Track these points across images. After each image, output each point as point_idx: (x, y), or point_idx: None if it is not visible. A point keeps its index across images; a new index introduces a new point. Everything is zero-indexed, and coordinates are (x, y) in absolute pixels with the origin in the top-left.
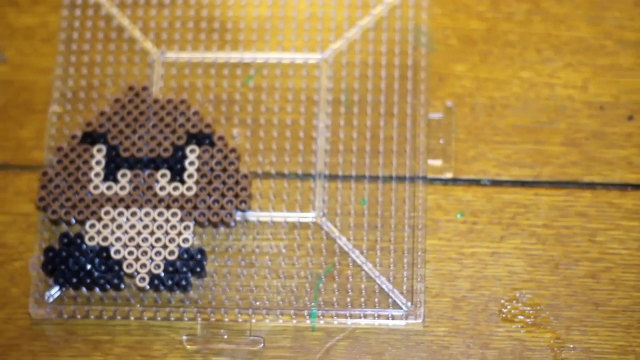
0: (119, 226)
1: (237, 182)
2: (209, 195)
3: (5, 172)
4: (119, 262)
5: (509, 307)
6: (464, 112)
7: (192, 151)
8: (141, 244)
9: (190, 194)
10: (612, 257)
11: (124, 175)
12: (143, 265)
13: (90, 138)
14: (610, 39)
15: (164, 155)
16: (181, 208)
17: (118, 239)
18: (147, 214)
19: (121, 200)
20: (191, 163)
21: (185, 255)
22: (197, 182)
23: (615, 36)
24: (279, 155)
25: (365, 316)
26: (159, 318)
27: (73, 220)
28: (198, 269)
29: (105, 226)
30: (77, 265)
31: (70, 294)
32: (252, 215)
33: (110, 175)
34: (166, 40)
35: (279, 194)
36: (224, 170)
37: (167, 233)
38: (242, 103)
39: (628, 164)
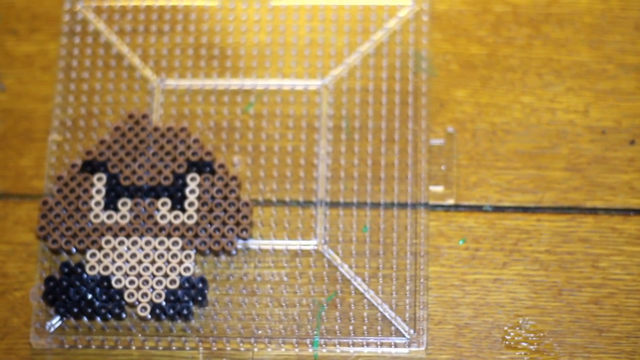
0: (120, 255)
1: (238, 210)
2: (210, 223)
3: (5, 201)
4: (120, 292)
5: (512, 334)
6: (465, 138)
7: (192, 179)
8: (142, 273)
9: (191, 222)
10: (615, 283)
11: (124, 203)
12: (144, 295)
13: (91, 166)
14: (612, 63)
15: (164, 184)
16: (182, 236)
17: (119, 268)
18: (148, 243)
19: (122, 229)
20: (192, 191)
21: (187, 284)
22: (198, 211)
23: (616, 60)
24: (280, 183)
25: (368, 344)
26: (160, 347)
27: (74, 250)
28: (200, 298)
29: (106, 255)
30: (78, 295)
31: (71, 324)
32: (254, 243)
33: (110, 204)
34: (166, 67)
35: (280, 222)
36: (225, 198)
37: (168, 262)
38: (242, 130)
39: (630, 188)
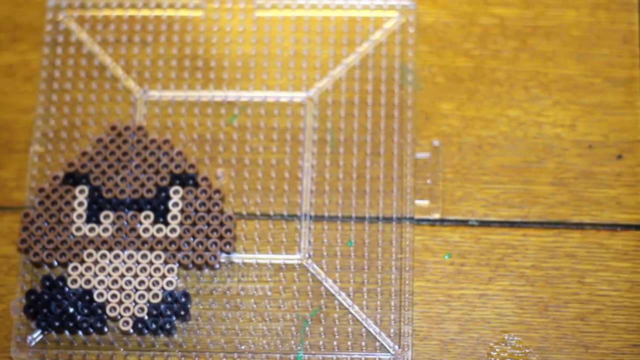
0: (102, 269)
1: (221, 224)
2: (193, 237)
3: None
4: (102, 306)
5: (497, 350)
6: (451, 152)
7: (175, 192)
8: (124, 286)
9: (174, 235)
10: (602, 299)
11: (106, 216)
12: (126, 309)
13: (73, 179)
14: (599, 76)
15: (147, 197)
16: (165, 250)
17: (101, 282)
18: (130, 257)
19: (104, 242)
20: (175, 204)
21: (169, 298)
22: (180, 224)
23: (603, 74)
24: (264, 196)
25: None
26: None
27: (55, 263)
28: (182, 312)
29: (88, 269)
30: (59, 309)
31: (52, 338)
32: (237, 257)
33: (92, 216)
34: (149, 78)
35: (264, 236)
36: (208, 211)
37: (150, 276)
38: (226, 143)
39: (617, 204)
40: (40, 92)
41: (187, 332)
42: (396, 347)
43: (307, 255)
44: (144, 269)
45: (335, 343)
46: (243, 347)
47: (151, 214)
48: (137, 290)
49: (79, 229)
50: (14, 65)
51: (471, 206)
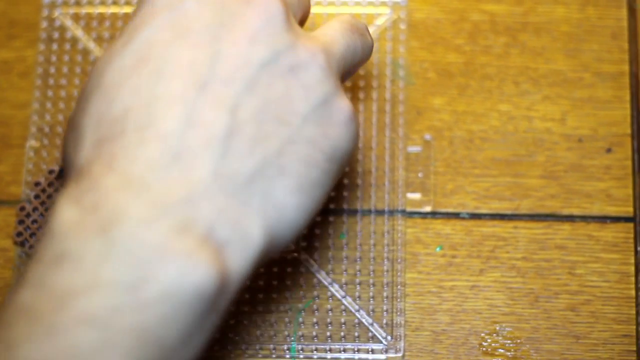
0: None
1: None
2: None
3: None
4: None
5: (489, 340)
6: (443, 146)
7: None
8: None
9: None
10: (592, 290)
11: None
12: None
13: None
14: (588, 71)
15: None
16: None
17: None
18: None
19: None
20: None
21: None
22: None
23: (593, 69)
24: None
25: (345, 350)
26: None
27: None
28: None
29: None
30: None
31: None
32: None
33: None
34: None
35: None
36: None
37: None
38: None
39: (607, 196)
40: (36, 87)
41: None
42: (389, 337)
43: (300, 248)
44: None
45: (328, 334)
46: (237, 338)
47: None
48: None
49: None
50: (9, 62)
51: (462, 199)
